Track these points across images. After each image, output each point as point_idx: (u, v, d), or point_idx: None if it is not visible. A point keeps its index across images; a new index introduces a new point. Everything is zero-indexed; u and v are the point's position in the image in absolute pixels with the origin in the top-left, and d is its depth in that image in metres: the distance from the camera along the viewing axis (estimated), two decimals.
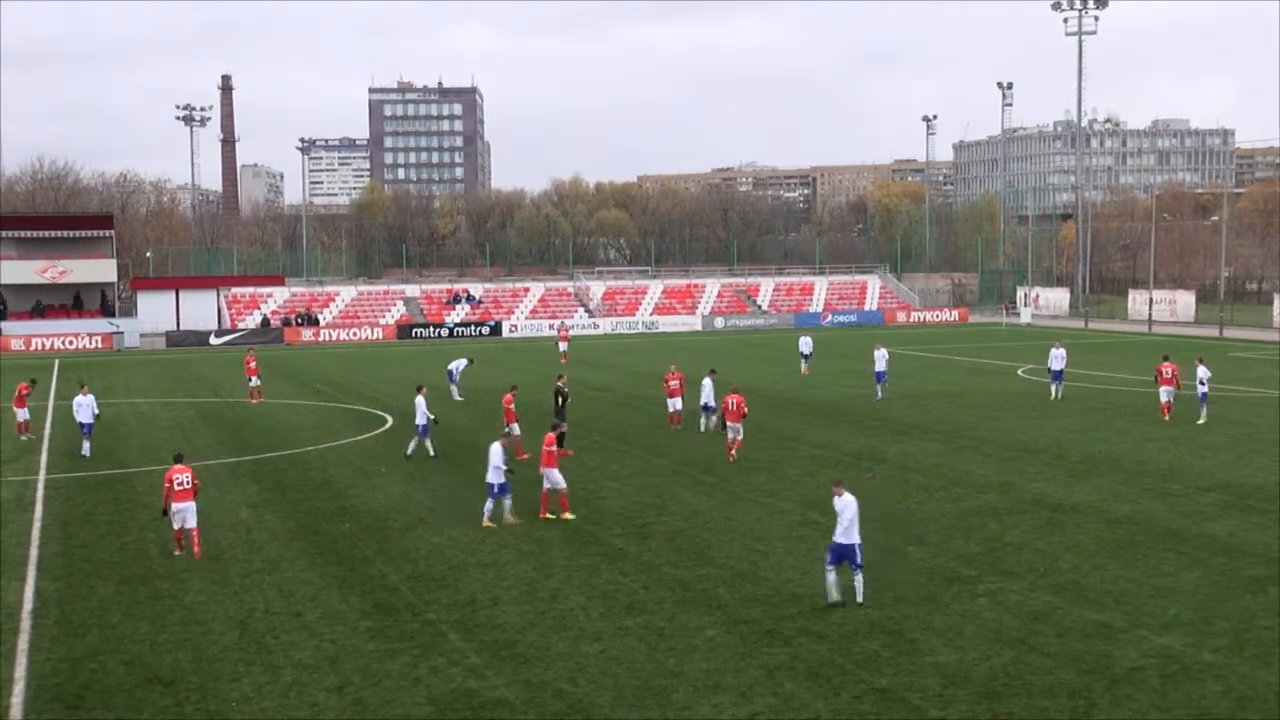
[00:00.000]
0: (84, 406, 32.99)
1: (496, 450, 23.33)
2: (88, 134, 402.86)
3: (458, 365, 45.62)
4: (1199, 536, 21.78)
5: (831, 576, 17.59)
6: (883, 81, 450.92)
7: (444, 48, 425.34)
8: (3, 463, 31.80)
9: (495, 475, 23.23)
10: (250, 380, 45.18)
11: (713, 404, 34.82)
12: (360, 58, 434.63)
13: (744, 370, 53.44)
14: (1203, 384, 36.71)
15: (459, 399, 43.68)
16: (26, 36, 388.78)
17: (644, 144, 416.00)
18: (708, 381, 35.46)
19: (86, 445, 32.46)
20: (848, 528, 17.52)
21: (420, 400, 31.56)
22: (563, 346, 64.82)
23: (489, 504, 23.33)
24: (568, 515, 23.81)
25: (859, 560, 17.57)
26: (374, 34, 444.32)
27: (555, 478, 23.86)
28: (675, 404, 36.04)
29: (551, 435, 24.60)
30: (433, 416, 31.63)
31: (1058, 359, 42.71)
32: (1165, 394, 36.77)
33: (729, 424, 30.93)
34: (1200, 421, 35.66)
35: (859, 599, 17.53)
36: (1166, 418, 36.28)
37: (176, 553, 21.32)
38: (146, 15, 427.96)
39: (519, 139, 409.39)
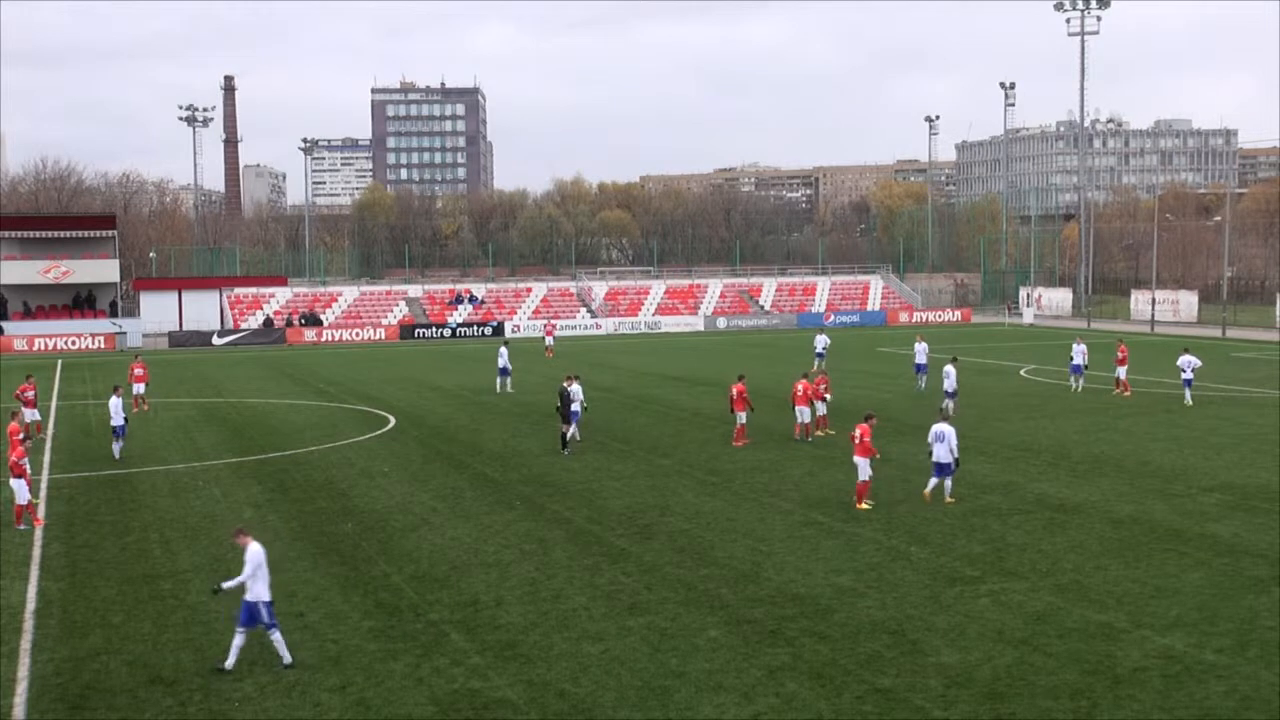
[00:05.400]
0: (115, 409, 32.73)
1: (950, 433, 24.06)
2: (90, 134, 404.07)
3: (505, 355, 46.46)
4: (1202, 537, 21.76)
5: (240, 639, 15.41)
6: (884, 82, 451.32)
7: (446, 48, 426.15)
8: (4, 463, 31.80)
9: (944, 455, 23.97)
10: (135, 388, 42.06)
11: (952, 389, 37.09)
12: (363, 58, 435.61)
13: (747, 370, 53.28)
14: (1185, 371, 40.36)
15: (510, 391, 44.85)
16: (28, 36, 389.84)
17: (646, 144, 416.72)
18: (950, 369, 37.34)
19: (117, 447, 32.17)
20: (257, 581, 15.44)
21: (577, 388, 32.50)
22: (549, 341, 65.56)
23: (933, 481, 24.26)
24: (862, 505, 24.03)
25: (272, 618, 15.53)
26: (376, 35, 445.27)
27: (867, 468, 24.25)
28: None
29: (866, 425, 24.67)
30: (586, 405, 32.76)
31: (1079, 354, 44.39)
32: (1121, 371, 42.75)
33: (804, 406, 33.34)
34: (1187, 404, 39.63)
35: (286, 660, 15.39)
36: (1121, 391, 42.28)
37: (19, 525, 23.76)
38: (148, 16, 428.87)
39: (521, 139, 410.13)
